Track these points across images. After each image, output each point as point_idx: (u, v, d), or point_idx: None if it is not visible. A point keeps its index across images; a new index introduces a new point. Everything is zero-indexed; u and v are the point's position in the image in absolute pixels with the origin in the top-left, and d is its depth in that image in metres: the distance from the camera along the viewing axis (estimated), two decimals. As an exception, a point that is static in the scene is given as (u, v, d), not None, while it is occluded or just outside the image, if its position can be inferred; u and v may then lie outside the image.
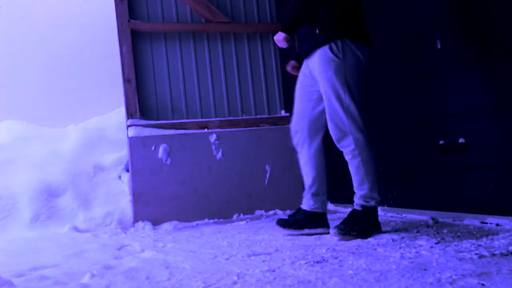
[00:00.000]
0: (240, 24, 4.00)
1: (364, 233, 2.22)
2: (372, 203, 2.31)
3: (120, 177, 4.04)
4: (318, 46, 2.36)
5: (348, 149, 2.35)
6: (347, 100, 2.30)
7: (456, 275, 1.38)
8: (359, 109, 2.33)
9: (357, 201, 2.34)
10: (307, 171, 2.58)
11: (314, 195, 2.55)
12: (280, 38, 2.37)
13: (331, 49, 2.31)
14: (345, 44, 2.32)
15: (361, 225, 2.23)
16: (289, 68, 2.71)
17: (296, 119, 2.57)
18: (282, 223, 2.51)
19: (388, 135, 3.07)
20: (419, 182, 2.81)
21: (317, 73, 2.38)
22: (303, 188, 2.63)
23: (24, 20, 5.23)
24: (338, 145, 2.41)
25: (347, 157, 2.38)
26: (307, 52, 2.46)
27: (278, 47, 3.61)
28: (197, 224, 3.43)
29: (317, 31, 2.36)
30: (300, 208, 2.55)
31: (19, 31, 5.20)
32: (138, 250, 2.38)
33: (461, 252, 1.69)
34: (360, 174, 2.34)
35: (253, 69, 4.07)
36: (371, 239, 2.13)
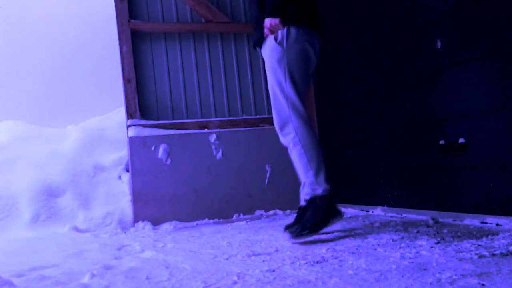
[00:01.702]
0: (240, 24, 4.00)
1: (318, 227, 2.17)
2: (320, 191, 2.24)
3: (120, 177, 4.04)
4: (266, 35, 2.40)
5: (289, 137, 2.35)
6: (287, 88, 2.33)
7: (456, 275, 1.38)
8: (301, 97, 2.35)
9: (304, 192, 2.29)
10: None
11: None
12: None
13: (275, 37, 2.34)
14: (290, 32, 2.34)
15: (313, 221, 2.17)
16: None
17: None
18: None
19: (388, 135, 3.07)
20: (419, 182, 2.81)
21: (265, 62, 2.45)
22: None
23: (24, 20, 5.22)
24: (280, 133, 2.40)
25: (289, 146, 2.37)
26: (258, 41, 2.50)
27: None
28: (197, 224, 3.43)
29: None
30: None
31: (19, 31, 5.19)
32: (138, 250, 2.38)
33: (461, 252, 1.69)
34: (303, 161, 2.29)
35: (253, 69, 4.07)
36: (371, 239, 2.13)
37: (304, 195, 2.31)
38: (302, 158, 2.30)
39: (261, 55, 2.54)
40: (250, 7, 2.47)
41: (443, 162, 2.59)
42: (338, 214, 2.25)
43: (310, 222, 2.17)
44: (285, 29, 2.34)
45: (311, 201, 2.25)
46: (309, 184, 2.28)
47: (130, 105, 3.63)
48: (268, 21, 2.34)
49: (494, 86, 2.25)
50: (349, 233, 2.36)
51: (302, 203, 2.36)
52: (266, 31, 2.37)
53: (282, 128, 2.38)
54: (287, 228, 2.22)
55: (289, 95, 2.33)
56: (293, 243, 2.19)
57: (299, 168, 2.34)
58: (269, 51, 2.38)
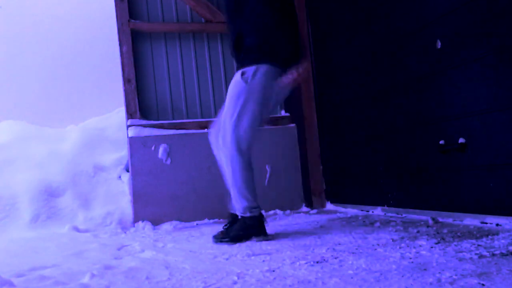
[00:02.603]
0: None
1: (238, 239, 2.38)
2: (248, 214, 2.43)
3: (120, 177, 4.04)
4: (237, 69, 2.55)
5: (228, 156, 2.50)
6: (239, 122, 2.46)
7: (456, 275, 1.38)
8: (252, 132, 2.48)
9: (237, 209, 2.49)
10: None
11: None
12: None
13: (242, 73, 2.46)
14: (259, 70, 2.44)
15: (236, 233, 2.40)
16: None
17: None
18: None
19: (388, 135, 3.07)
20: (419, 182, 2.81)
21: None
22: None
23: (24, 20, 5.22)
24: (222, 145, 2.57)
25: (225, 159, 2.54)
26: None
27: None
28: (197, 224, 3.43)
29: (242, 55, 2.52)
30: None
31: (19, 31, 5.19)
32: (138, 250, 2.38)
33: (461, 252, 1.69)
34: (236, 184, 2.46)
35: (253, 69, 4.07)
36: (371, 239, 2.13)
37: (237, 210, 2.48)
38: (236, 182, 2.47)
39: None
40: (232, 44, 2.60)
41: (443, 162, 2.59)
42: (262, 235, 2.43)
43: (234, 233, 2.41)
44: (253, 68, 2.44)
45: (242, 218, 2.46)
46: (241, 208, 2.45)
47: (130, 105, 3.63)
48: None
49: (494, 86, 2.25)
50: (349, 233, 2.36)
51: (235, 212, 2.53)
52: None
53: (223, 146, 2.54)
54: (214, 236, 2.47)
55: (240, 133, 2.46)
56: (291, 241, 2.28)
57: (230, 182, 2.51)
58: (233, 83, 2.51)
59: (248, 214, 2.43)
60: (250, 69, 2.45)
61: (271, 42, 2.46)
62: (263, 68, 2.45)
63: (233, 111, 2.46)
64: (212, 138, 2.73)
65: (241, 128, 2.45)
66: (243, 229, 2.41)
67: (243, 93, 2.45)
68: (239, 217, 2.47)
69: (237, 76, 2.50)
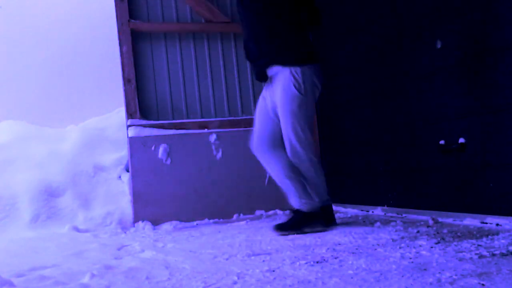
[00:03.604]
0: (240, 24, 3.99)
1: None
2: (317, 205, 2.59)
3: (120, 177, 4.04)
4: (264, 62, 2.60)
5: (305, 161, 2.62)
6: (307, 134, 2.58)
7: (456, 275, 1.38)
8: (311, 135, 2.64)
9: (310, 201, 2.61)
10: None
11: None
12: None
13: (294, 85, 2.49)
14: (304, 74, 2.52)
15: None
16: None
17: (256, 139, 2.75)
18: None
19: (388, 135, 3.07)
20: (419, 182, 2.81)
21: (279, 102, 2.58)
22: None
23: (24, 20, 5.22)
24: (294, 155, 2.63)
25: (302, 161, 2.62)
26: (261, 75, 2.66)
27: None
28: (197, 224, 3.43)
29: (282, 52, 2.57)
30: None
31: (19, 31, 5.19)
32: (138, 250, 2.38)
33: (461, 252, 1.69)
34: (317, 182, 2.66)
35: (253, 69, 4.07)
36: (371, 239, 2.13)
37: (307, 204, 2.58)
38: (313, 181, 2.64)
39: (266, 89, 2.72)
40: (247, 44, 2.71)
41: (443, 162, 2.59)
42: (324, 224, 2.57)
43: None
44: (300, 74, 2.50)
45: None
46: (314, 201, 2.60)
47: (130, 105, 3.63)
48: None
49: (495, 86, 2.25)
50: (349, 233, 2.36)
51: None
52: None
53: (295, 155, 2.60)
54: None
55: (306, 140, 2.57)
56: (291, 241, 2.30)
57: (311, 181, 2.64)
58: (290, 97, 2.53)
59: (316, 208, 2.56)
60: (297, 73, 2.50)
61: (306, 41, 2.61)
62: (309, 69, 2.53)
63: (297, 126, 2.54)
64: (254, 149, 2.76)
65: (306, 139, 2.56)
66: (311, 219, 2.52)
67: (301, 104, 2.52)
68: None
69: (289, 86, 2.51)
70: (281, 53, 2.55)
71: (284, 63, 2.52)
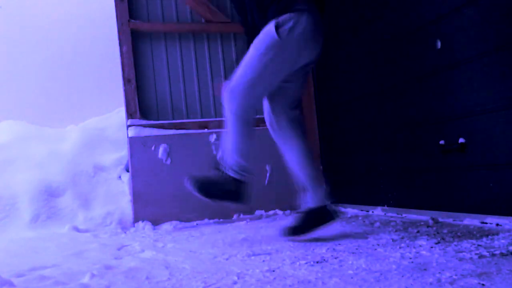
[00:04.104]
0: (240, 24, 3.99)
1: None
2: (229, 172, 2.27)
3: (120, 177, 4.04)
4: (264, 18, 2.18)
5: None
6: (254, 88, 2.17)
7: (456, 275, 1.38)
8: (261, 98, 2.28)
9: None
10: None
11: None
12: None
13: (277, 24, 2.09)
14: (300, 21, 2.11)
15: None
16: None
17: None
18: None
19: (388, 135, 3.07)
20: (419, 182, 2.81)
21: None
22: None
23: (24, 20, 5.22)
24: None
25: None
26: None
27: None
28: (197, 224, 3.43)
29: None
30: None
31: (19, 31, 5.19)
32: (138, 250, 2.38)
33: (461, 252, 1.69)
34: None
35: (253, 69, 4.07)
36: (371, 239, 2.13)
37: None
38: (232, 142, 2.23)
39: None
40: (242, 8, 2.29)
41: (443, 162, 2.59)
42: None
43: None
44: (292, 16, 2.09)
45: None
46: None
47: (130, 105, 3.63)
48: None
49: (494, 86, 2.25)
50: (349, 233, 2.36)
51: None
52: None
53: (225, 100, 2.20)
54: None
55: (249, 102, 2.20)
56: (291, 241, 2.27)
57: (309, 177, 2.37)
58: (263, 34, 2.14)
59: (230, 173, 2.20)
60: (287, 19, 2.08)
61: None
62: (305, 18, 2.10)
63: (251, 72, 2.12)
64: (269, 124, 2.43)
65: (253, 95, 2.17)
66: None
67: (272, 49, 2.09)
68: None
69: (270, 27, 2.09)
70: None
71: (280, 11, 2.13)
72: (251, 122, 2.24)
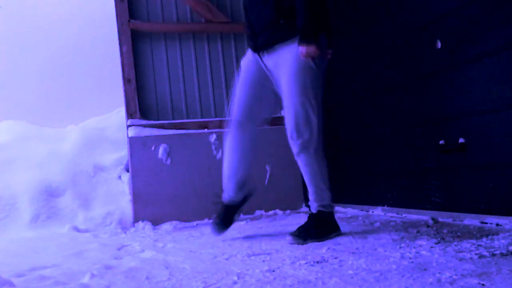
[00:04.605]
0: (240, 24, 3.99)
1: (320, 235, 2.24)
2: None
3: (120, 177, 4.04)
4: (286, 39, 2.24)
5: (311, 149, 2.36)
6: (318, 113, 2.30)
7: (456, 275, 1.38)
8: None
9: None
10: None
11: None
12: (314, 50, 2.18)
13: (314, 58, 2.20)
14: (324, 51, 2.25)
15: (316, 229, 2.25)
16: None
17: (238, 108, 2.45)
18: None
19: (388, 135, 3.07)
20: (419, 182, 2.81)
21: (286, 72, 2.26)
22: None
23: (24, 20, 5.22)
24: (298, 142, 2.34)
25: (308, 152, 2.37)
26: (268, 45, 2.31)
27: None
28: (197, 224, 3.43)
29: (282, 21, 2.24)
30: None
31: (19, 31, 5.19)
32: (138, 250, 2.38)
33: (461, 252, 1.69)
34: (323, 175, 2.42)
35: (253, 69, 4.07)
36: (371, 239, 2.13)
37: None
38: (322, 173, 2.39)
39: (267, 59, 2.36)
40: (254, 7, 2.30)
41: (443, 162, 2.59)
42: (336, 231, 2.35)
43: (315, 230, 2.27)
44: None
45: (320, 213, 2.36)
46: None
47: (130, 105, 3.63)
48: (305, 49, 2.17)
49: (494, 86, 2.25)
50: (349, 233, 2.36)
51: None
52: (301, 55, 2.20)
53: (303, 143, 2.32)
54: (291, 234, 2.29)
55: (318, 121, 2.29)
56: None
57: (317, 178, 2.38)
58: (303, 69, 2.23)
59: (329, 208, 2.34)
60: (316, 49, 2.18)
61: (319, 10, 2.24)
62: (321, 38, 2.21)
63: (307, 100, 2.23)
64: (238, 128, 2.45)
65: (318, 113, 2.27)
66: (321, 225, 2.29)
67: (314, 78, 2.24)
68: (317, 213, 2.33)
69: (308, 61, 2.20)
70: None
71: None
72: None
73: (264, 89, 2.42)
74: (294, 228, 2.34)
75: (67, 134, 4.63)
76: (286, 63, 2.25)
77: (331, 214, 2.35)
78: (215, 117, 3.89)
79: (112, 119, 4.89)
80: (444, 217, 2.53)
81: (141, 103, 3.70)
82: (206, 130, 3.73)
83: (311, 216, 2.34)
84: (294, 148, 2.34)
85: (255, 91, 2.42)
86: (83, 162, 4.10)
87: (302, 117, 2.26)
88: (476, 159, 2.37)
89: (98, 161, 4.17)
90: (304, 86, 2.23)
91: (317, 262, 1.74)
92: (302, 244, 2.16)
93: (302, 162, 2.35)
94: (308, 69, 2.23)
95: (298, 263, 1.75)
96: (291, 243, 2.18)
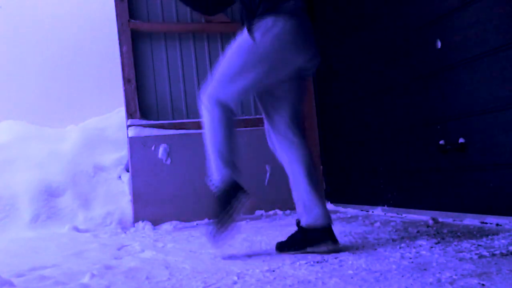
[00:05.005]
0: (240, 24, 3.99)
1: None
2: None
3: (120, 177, 4.04)
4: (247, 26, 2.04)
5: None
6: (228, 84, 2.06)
7: (456, 275, 1.38)
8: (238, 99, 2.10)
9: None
10: None
11: None
12: None
13: (250, 29, 2.00)
14: (276, 24, 1.96)
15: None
16: None
17: None
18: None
19: (388, 135, 3.07)
20: (419, 182, 2.81)
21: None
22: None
23: (24, 20, 5.22)
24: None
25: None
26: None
27: None
28: (197, 224, 3.43)
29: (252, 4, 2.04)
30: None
31: (19, 31, 5.19)
32: (138, 250, 2.38)
33: (461, 252, 1.69)
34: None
35: (253, 69, 4.07)
36: (371, 239, 2.13)
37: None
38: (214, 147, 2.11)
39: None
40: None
41: (443, 162, 2.59)
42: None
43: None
44: (267, 21, 1.96)
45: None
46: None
47: (130, 105, 3.63)
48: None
49: (494, 86, 2.25)
50: (349, 233, 2.36)
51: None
52: None
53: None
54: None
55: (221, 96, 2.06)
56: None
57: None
58: (237, 40, 2.07)
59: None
60: (262, 23, 1.95)
61: None
62: (281, 21, 1.94)
63: (226, 73, 2.05)
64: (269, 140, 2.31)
65: (227, 92, 2.02)
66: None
67: (246, 54, 1.99)
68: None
69: (244, 31, 2.01)
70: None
71: (259, 14, 1.99)
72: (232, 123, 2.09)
73: None
74: (294, 228, 2.34)
75: (67, 134, 4.63)
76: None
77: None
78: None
79: (112, 119, 4.88)
80: (444, 217, 2.53)
81: (141, 103, 3.70)
82: (206, 130, 3.73)
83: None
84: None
85: None
86: (83, 162, 4.09)
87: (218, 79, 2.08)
88: (476, 159, 2.37)
89: (98, 161, 4.17)
90: (227, 56, 2.08)
91: (317, 262, 1.74)
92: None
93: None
94: (240, 39, 2.04)
95: (298, 263, 1.75)
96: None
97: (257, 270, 1.67)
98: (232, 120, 2.08)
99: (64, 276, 1.81)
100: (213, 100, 2.03)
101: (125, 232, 3.18)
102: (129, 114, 3.62)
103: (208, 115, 2.05)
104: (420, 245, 1.88)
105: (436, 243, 1.89)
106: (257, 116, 3.97)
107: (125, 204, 3.64)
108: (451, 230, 2.16)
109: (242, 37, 2.04)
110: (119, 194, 3.80)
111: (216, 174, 2.08)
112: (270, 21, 1.96)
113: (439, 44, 2.55)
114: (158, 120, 3.73)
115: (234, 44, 2.09)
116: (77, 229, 3.27)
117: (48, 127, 4.81)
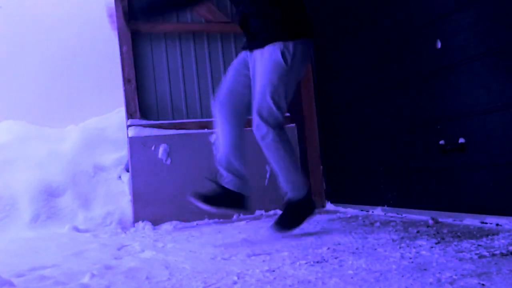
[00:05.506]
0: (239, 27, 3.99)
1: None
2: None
3: (120, 177, 4.04)
4: (261, 41, 2.43)
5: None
6: (282, 101, 2.39)
7: (456, 275, 1.38)
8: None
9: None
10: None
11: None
12: None
13: (282, 52, 2.33)
14: (297, 47, 2.37)
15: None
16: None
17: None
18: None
19: (388, 135, 3.07)
20: (419, 182, 2.81)
21: (260, 69, 2.40)
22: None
23: (24, 20, 5.22)
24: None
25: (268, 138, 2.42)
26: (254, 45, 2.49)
27: None
28: (197, 224, 3.43)
29: (271, 28, 2.42)
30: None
31: (19, 31, 5.19)
32: (138, 250, 2.38)
33: (461, 252, 1.69)
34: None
35: (253, 69, 4.07)
36: (371, 239, 2.13)
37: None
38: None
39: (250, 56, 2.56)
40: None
41: (443, 162, 2.59)
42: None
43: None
44: (291, 45, 2.35)
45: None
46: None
47: (130, 105, 3.63)
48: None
49: (494, 86, 2.25)
50: (349, 233, 2.36)
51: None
52: None
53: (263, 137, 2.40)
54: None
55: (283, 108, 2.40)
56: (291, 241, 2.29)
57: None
58: (273, 65, 2.36)
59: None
60: (288, 46, 2.34)
61: (300, 13, 2.44)
62: (301, 44, 2.37)
63: (274, 93, 2.35)
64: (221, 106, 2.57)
65: (282, 114, 2.39)
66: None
67: (284, 74, 2.35)
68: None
69: (276, 54, 2.34)
70: (281, 28, 2.40)
71: (284, 38, 2.37)
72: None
73: (245, 78, 2.56)
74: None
75: (67, 134, 4.63)
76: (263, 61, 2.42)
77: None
78: (215, 117, 3.87)
79: (112, 119, 4.88)
80: (444, 217, 2.53)
81: (141, 103, 3.70)
82: (206, 130, 3.73)
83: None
84: (257, 134, 2.42)
85: (239, 78, 2.58)
86: (83, 162, 4.09)
87: (265, 108, 2.37)
88: (476, 159, 2.37)
89: (98, 161, 4.17)
90: (270, 80, 2.37)
91: (317, 262, 1.74)
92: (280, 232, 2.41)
93: (264, 148, 2.45)
94: (278, 66, 2.36)
95: (298, 263, 1.75)
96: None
97: (257, 270, 1.67)
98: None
99: (64, 276, 1.81)
100: (277, 125, 2.37)
101: (125, 232, 3.18)
102: (129, 114, 3.62)
103: (278, 138, 2.37)
104: (420, 245, 1.88)
105: (436, 243, 1.89)
106: (257, 116, 3.96)
107: (125, 204, 3.64)
108: (451, 230, 2.16)
109: (275, 60, 2.36)
110: (119, 194, 3.80)
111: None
112: (292, 45, 2.36)
113: (439, 44, 2.55)
114: (158, 120, 3.73)
115: (267, 67, 2.38)
116: (77, 229, 3.27)
117: (48, 127, 4.81)
